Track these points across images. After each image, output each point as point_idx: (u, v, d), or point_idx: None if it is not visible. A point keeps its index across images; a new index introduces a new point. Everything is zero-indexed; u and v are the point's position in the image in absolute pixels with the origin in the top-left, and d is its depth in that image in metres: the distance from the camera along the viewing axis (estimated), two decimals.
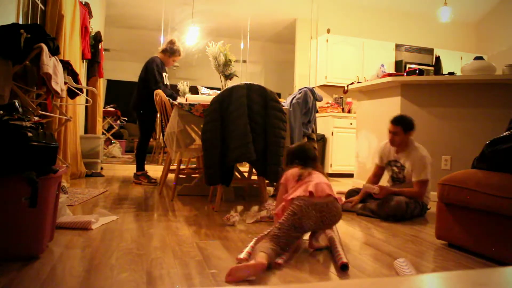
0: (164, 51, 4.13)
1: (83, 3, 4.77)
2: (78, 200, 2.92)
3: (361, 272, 1.67)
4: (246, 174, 3.64)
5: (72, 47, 4.08)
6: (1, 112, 1.68)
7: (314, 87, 4.17)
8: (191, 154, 3.53)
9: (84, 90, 4.60)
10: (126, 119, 7.76)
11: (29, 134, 1.64)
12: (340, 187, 4.24)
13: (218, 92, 3.15)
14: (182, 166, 4.07)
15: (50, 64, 2.63)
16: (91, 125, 5.64)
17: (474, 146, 2.45)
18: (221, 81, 3.72)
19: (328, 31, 6.38)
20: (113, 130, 7.44)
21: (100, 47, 5.64)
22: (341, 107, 6.26)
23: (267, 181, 3.16)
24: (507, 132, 2.01)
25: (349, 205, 2.95)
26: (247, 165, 3.86)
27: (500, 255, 1.81)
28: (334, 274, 1.65)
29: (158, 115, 4.21)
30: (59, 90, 2.77)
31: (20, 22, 2.98)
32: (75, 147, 4.21)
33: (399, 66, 6.40)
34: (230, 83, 3.35)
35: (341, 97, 6.37)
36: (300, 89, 3.88)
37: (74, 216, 2.32)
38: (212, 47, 3.69)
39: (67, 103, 3.96)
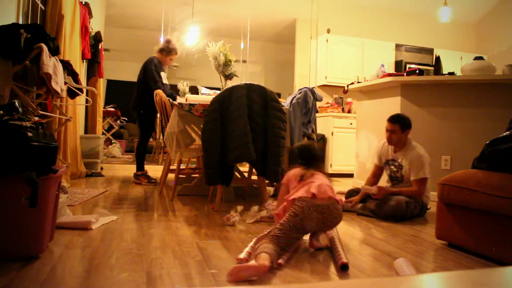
0: (161, 50, 4.14)
1: (83, 3, 4.77)
2: (78, 200, 2.92)
3: (361, 272, 1.67)
4: (246, 174, 3.65)
5: (72, 47, 4.08)
6: (1, 112, 1.68)
7: (314, 87, 4.16)
8: (191, 154, 3.53)
9: (84, 90, 4.60)
10: (126, 119, 7.76)
11: (29, 134, 1.64)
12: (340, 187, 4.24)
13: (218, 92, 3.15)
14: (182, 166, 4.07)
15: (50, 64, 2.63)
16: (91, 125, 5.64)
17: (474, 146, 2.45)
18: (221, 81, 3.73)
19: (328, 31, 6.38)
20: (113, 130, 7.44)
21: (100, 47, 5.64)
22: (341, 107, 6.26)
23: (267, 181, 3.16)
24: (507, 132, 2.01)
25: (349, 205, 2.95)
26: (247, 165, 3.86)
27: (500, 255, 1.81)
28: (335, 274, 1.65)
29: (158, 115, 4.21)
30: (59, 90, 2.77)
31: (20, 22, 2.98)
32: (75, 147, 4.21)
33: (399, 66, 6.40)
34: (230, 83, 3.35)
35: (341, 97, 6.37)
36: (300, 89, 3.88)
37: (74, 216, 2.32)
38: (212, 47, 3.69)
39: (67, 103, 3.96)
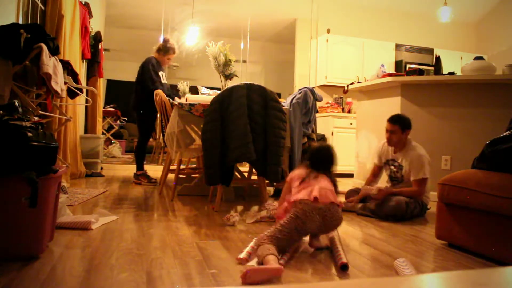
0: (158, 50, 4.15)
1: (83, 3, 4.77)
2: (78, 200, 2.92)
3: (361, 272, 1.67)
4: (246, 174, 3.64)
5: (72, 47, 4.08)
6: (1, 112, 1.68)
7: (314, 87, 4.16)
8: (191, 154, 3.53)
9: (84, 90, 4.60)
10: (126, 119, 7.76)
11: (29, 134, 1.64)
12: (340, 187, 4.22)
13: (218, 92, 3.15)
14: (182, 166, 4.07)
15: (50, 64, 2.63)
16: (91, 125, 5.64)
17: (474, 146, 2.46)
18: (221, 81, 3.72)
19: (328, 31, 6.38)
20: (113, 130, 7.44)
21: (100, 47, 5.64)
22: (341, 107, 6.26)
23: (267, 181, 3.16)
24: (507, 132, 2.01)
25: (350, 204, 2.95)
26: (247, 165, 3.86)
27: (500, 255, 1.81)
28: (335, 274, 1.65)
29: (158, 115, 4.21)
30: (59, 90, 2.77)
31: (20, 22, 2.98)
32: (75, 147, 4.21)
33: (399, 66, 6.40)
34: (230, 83, 3.35)
35: (341, 97, 6.37)
36: (300, 89, 3.87)
37: (74, 216, 2.32)
38: (212, 47, 3.69)
39: (67, 103, 3.96)
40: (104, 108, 6.86)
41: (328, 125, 5.75)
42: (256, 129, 2.80)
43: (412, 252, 2.00)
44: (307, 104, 3.67)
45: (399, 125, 2.91)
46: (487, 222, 1.90)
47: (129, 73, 7.77)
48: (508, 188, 1.79)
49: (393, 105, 3.85)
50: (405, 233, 2.39)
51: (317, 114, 4.35)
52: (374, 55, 6.32)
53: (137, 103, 4.09)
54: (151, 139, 5.20)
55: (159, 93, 3.63)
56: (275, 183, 3.60)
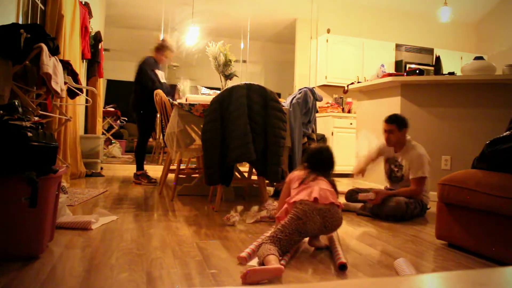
0: (155, 49, 4.16)
1: (83, 3, 4.77)
2: (78, 200, 2.92)
3: (361, 272, 1.67)
4: (246, 174, 3.64)
5: (72, 47, 4.08)
6: (1, 112, 1.68)
7: (314, 87, 4.16)
8: (191, 154, 3.53)
9: (84, 90, 4.60)
10: (126, 119, 7.76)
11: (29, 134, 1.64)
12: (340, 187, 4.22)
13: (218, 92, 3.15)
14: (182, 166, 4.07)
15: (50, 64, 2.63)
16: (91, 125, 5.64)
17: (474, 146, 2.45)
18: (221, 81, 3.73)
19: (328, 31, 6.38)
20: (113, 130, 7.44)
21: (100, 47, 5.64)
22: (341, 107, 6.26)
23: (267, 181, 3.16)
24: (507, 132, 2.01)
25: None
26: (247, 165, 3.86)
27: (500, 255, 1.81)
28: (335, 274, 1.65)
29: (158, 115, 4.21)
30: (59, 90, 2.77)
31: (20, 22, 2.98)
32: (75, 147, 4.21)
33: (399, 66, 6.40)
34: (230, 83, 3.35)
35: (341, 97, 6.37)
36: (300, 89, 3.87)
37: (74, 216, 2.32)
38: (212, 47, 3.69)
39: (67, 103, 3.96)
40: (104, 108, 6.86)
41: (328, 125, 5.75)
42: (256, 129, 2.80)
43: (412, 252, 2.00)
44: (307, 104, 3.67)
45: (396, 124, 2.92)
46: (487, 222, 1.90)
47: (129, 73, 7.76)
48: (508, 188, 1.79)
49: (393, 105, 3.85)
50: (405, 233, 2.39)
51: (317, 114, 4.35)
52: (374, 55, 6.32)
53: (137, 103, 4.09)
54: (151, 139, 5.20)
55: (159, 93, 3.63)
56: (275, 183, 3.60)
